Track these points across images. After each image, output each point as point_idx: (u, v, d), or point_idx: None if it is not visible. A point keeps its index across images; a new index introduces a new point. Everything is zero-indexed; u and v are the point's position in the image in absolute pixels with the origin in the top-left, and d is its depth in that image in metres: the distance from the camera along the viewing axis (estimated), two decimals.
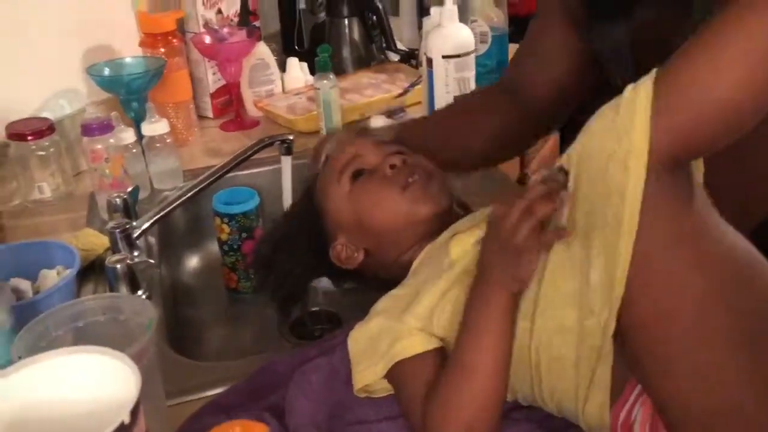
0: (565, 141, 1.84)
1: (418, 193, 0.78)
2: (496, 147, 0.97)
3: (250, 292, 1.12)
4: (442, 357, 0.68)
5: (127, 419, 0.42)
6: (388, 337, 0.70)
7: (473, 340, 0.63)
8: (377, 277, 0.83)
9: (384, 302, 0.75)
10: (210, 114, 1.48)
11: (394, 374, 0.69)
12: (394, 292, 0.76)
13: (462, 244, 0.74)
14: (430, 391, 0.64)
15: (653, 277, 0.55)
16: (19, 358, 0.61)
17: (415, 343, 0.69)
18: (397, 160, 0.80)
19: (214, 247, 1.16)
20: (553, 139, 1.83)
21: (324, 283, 0.95)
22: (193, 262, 1.22)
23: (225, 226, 1.09)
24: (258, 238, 0.99)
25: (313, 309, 1.09)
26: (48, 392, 0.48)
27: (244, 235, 1.09)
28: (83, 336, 0.68)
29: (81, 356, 0.48)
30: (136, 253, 0.95)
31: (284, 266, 0.86)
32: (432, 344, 0.69)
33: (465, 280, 0.69)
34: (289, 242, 0.87)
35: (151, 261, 0.95)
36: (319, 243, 0.84)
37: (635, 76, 0.81)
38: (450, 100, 1.19)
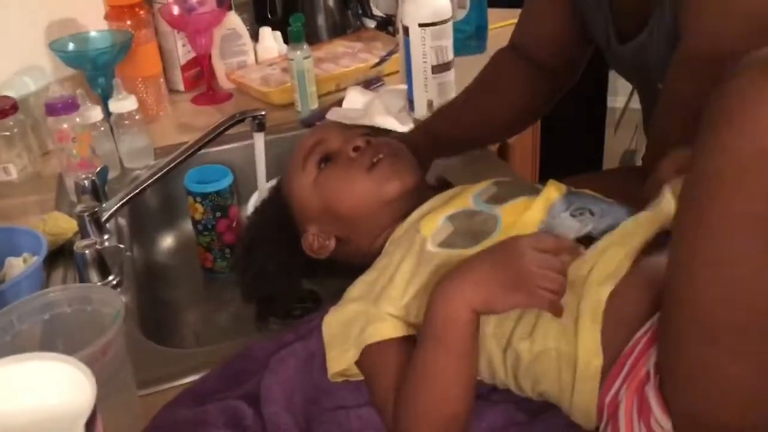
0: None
1: (384, 172, 0.76)
2: (522, 117, 1.04)
3: (227, 271, 1.09)
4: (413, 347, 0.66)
5: None
6: (361, 322, 0.69)
7: (435, 350, 0.62)
8: (352, 265, 0.80)
9: (358, 287, 0.73)
10: (181, 87, 1.44)
11: (365, 359, 0.68)
12: (366, 276, 0.74)
13: (433, 220, 0.72)
14: (398, 387, 0.63)
15: None
16: None
17: (385, 328, 0.67)
18: (360, 142, 0.78)
19: (188, 226, 1.13)
20: None
21: None
22: (167, 242, 1.19)
23: (198, 206, 1.06)
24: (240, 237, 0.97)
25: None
26: (1, 401, 0.45)
27: (218, 214, 1.06)
28: (50, 328, 0.66)
29: (33, 363, 0.46)
30: (105, 237, 0.93)
31: (258, 266, 0.84)
32: (402, 331, 0.67)
33: (434, 260, 0.68)
34: (262, 240, 0.85)
35: (121, 246, 0.93)
36: (290, 236, 0.82)
37: (614, 32, 0.82)
38: (428, 69, 1.16)
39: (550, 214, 0.69)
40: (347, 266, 0.81)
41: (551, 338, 0.60)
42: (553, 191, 0.72)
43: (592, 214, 0.68)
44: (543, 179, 0.77)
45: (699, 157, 0.52)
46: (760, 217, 0.48)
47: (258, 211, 0.90)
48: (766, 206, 0.48)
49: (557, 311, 0.58)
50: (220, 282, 1.10)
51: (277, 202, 0.84)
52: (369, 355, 0.67)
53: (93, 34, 1.26)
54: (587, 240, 0.65)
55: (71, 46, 1.22)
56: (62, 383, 0.44)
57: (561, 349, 0.60)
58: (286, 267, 0.84)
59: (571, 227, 0.67)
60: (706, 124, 0.51)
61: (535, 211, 0.70)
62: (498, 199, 0.73)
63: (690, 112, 0.68)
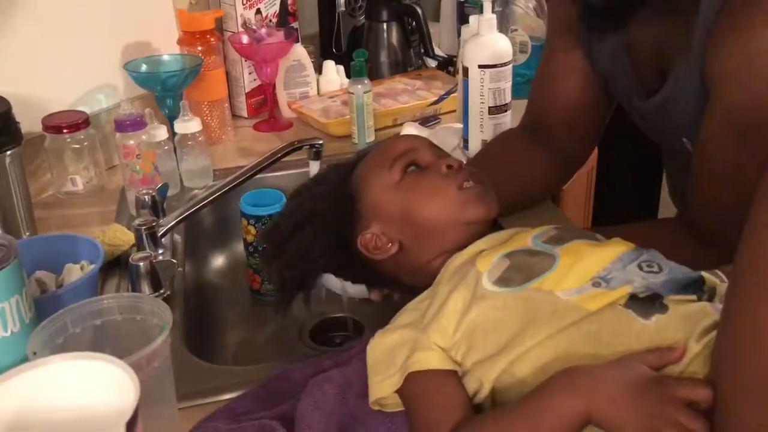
0: (603, 158, 1.80)
1: (473, 196, 0.77)
2: (529, 193, 1.02)
3: (273, 294, 1.11)
4: (459, 381, 0.66)
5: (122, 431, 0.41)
6: (408, 348, 0.69)
7: (523, 427, 0.60)
8: (396, 280, 0.80)
9: (408, 314, 0.73)
10: (245, 113, 1.48)
11: (408, 388, 0.67)
12: (416, 304, 0.74)
13: (490, 257, 0.72)
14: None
15: None
16: (34, 353, 0.61)
17: (432, 358, 0.67)
18: (455, 162, 0.79)
19: (239, 248, 1.16)
20: None
21: (350, 290, 0.93)
22: (218, 262, 1.22)
23: (251, 228, 1.09)
24: (279, 213, 0.92)
25: (336, 315, 1.08)
26: (47, 398, 0.47)
27: None
28: (101, 334, 0.68)
29: (83, 362, 0.48)
30: (160, 251, 0.96)
31: (302, 246, 0.82)
32: (448, 365, 0.67)
33: (488, 298, 0.67)
34: (314, 221, 0.82)
35: (174, 260, 0.95)
36: (346, 227, 0.81)
37: (635, 88, 0.83)
38: (485, 110, 1.17)
39: (615, 261, 0.67)
40: (386, 277, 0.81)
41: None
42: (620, 244, 0.71)
43: (660, 269, 0.67)
44: (595, 226, 0.77)
45: (753, 233, 0.51)
46: None
47: (315, 195, 0.84)
48: None
49: None
50: (266, 304, 1.12)
51: (341, 191, 0.82)
52: (412, 384, 0.67)
53: (165, 57, 1.31)
54: (654, 298, 0.63)
55: (144, 68, 1.27)
56: (108, 383, 0.46)
57: None
58: (329, 256, 0.82)
59: (639, 281, 0.65)
60: (760, 200, 0.50)
61: (598, 258, 0.68)
62: (557, 240, 0.73)
63: (734, 174, 0.69)
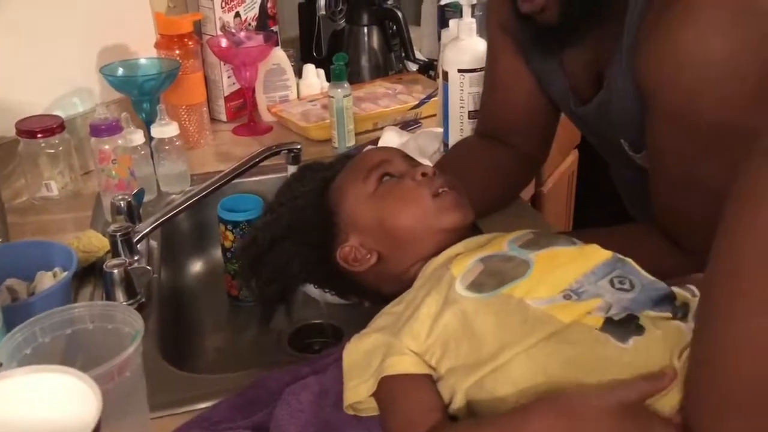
0: (583, 160, 1.81)
1: (448, 203, 0.76)
2: (494, 194, 1.03)
3: (251, 300, 1.10)
4: (433, 384, 0.66)
5: None
6: (382, 353, 0.68)
7: None
8: (377, 290, 0.80)
9: (383, 318, 0.73)
10: (224, 117, 1.47)
11: (382, 392, 0.67)
12: (392, 308, 0.74)
13: (464, 261, 0.72)
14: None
15: None
16: (0, 364, 0.60)
17: (405, 362, 0.67)
18: (429, 170, 0.79)
19: (217, 253, 1.15)
20: (573, 155, 1.81)
21: (329, 296, 0.92)
22: (195, 268, 1.21)
23: (229, 233, 1.07)
24: (254, 226, 0.91)
25: (315, 321, 1.07)
26: (10, 411, 0.46)
27: None
28: (72, 344, 0.67)
29: (44, 375, 0.47)
30: (136, 258, 0.94)
31: (281, 260, 0.81)
32: (422, 369, 0.67)
33: (460, 302, 0.67)
34: (292, 236, 0.81)
35: (148, 267, 0.94)
36: (325, 241, 0.80)
37: (571, 95, 0.87)
38: (464, 114, 1.17)
39: (588, 275, 0.67)
40: (366, 288, 0.81)
41: None
42: (596, 253, 0.70)
43: (632, 286, 0.66)
44: (576, 229, 0.77)
45: (724, 239, 0.51)
46: None
47: (292, 207, 0.83)
48: None
49: None
50: (244, 310, 1.11)
51: (318, 203, 0.81)
52: (386, 388, 0.66)
53: (142, 60, 1.30)
54: (629, 320, 0.62)
55: (120, 71, 1.26)
56: (70, 396, 0.45)
57: None
58: (309, 270, 0.82)
59: (609, 296, 0.64)
60: (733, 206, 0.50)
61: (571, 268, 0.67)
62: (533, 245, 0.72)
63: (687, 177, 0.70)
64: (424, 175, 0.77)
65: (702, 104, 0.73)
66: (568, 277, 0.66)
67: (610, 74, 0.83)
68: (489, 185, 1.02)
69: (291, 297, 0.85)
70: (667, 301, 0.65)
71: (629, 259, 0.70)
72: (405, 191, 0.77)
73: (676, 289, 0.66)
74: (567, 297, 0.65)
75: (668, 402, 0.58)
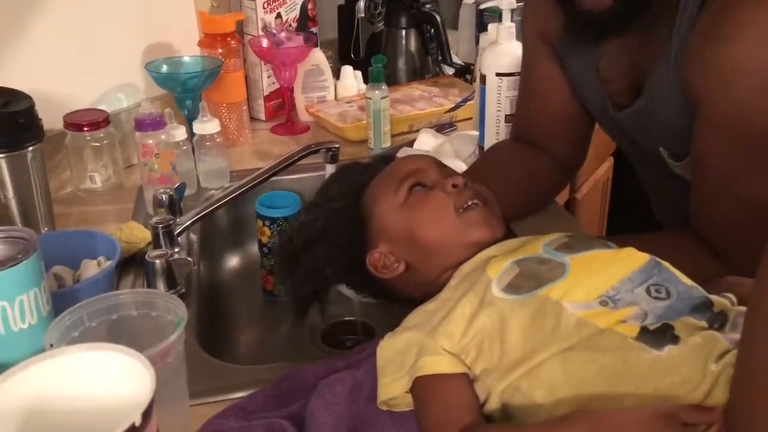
0: (618, 167, 1.80)
1: (476, 218, 0.76)
2: (529, 197, 1.03)
3: (286, 296, 1.12)
4: (469, 383, 0.67)
5: (138, 421, 0.42)
6: (416, 351, 0.69)
7: None
8: (408, 296, 0.81)
9: (416, 316, 0.74)
10: (262, 116, 1.50)
11: (417, 390, 0.68)
12: (426, 306, 0.75)
13: (500, 263, 0.72)
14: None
15: None
16: (51, 345, 0.62)
17: (439, 363, 0.68)
18: (459, 181, 0.79)
19: (254, 249, 1.17)
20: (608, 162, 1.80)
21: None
22: (232, 262, 1.23)
23: (266, 229, 1.10)
24: (291, 225, 0.95)
25: (347, 318, 1.09)
26: (64, 387, 0.48)
27: None
28: (116, 329, 0.69)
29: (100, 353, 0.49)
30: (176, 250, 0.97)
31: (314, 262, 0.83)
32: (457, 368, 0.67)
33: (496, 304, 0.68)
34: (325, 239, 0.83)
35: (189, 259, 0.96)
36: (357, 246, 0.82)
37: (608, 100, 0.86)
38: (501, 117, 1.18)
39: (625, 281, 0.67)
40: (398, 293, 0.82)
41: None
42: (634, 258, 0.70)
43: (668, 294, 0.66)
44: (610, 234, 0.77)
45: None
46: None
47: (327, 210, 0.84)
48: None
49: None
50: (278, 305, 1.13)
51: (353, 208, 0.82)
52: (421, 386, 0.67)
53: (186, 58, 1.33)
54: (665, 329, 0.62)
55: (165, 68, 1.29)
56: (124, 374, 0.47)
57: None
58: (341, 273, 0.84)
59: (645, 304, 0.64)
60: None
61: (608, 273, 0.67)
62: (568, 248, 0.72)
63: (731, 186, 0.69)
64: (454, 186, 0.78)
65: (753, 115, 0.73)
66: (604, 282, 0.66)
67: (653, 81, 0.82)
68: (524, 189, 1.02)
69: (324, 297, 0.87)
70: (704, 308, 0.65)
71: (666, 263, 0.69)
72: (434, 204, 0.77)
73: (714, 297, 0.66)
74: (603, 303, 0.65)
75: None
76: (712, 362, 0.59)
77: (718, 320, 0.64)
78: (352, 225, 0.82)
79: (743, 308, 0.63)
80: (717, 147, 0.78)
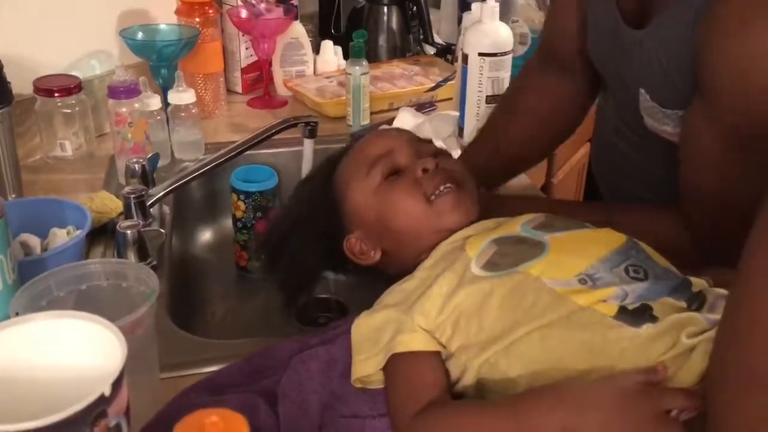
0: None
1: (448, 204, 0.75)
2: (550, 132, 1.02)
3: (259, 271, 1.11)
4: (441, 362, 0.66)
5: (107, 391, 0.41)
6: (393, 328, 0.69)
7: (503, 418, 0.61)
8: (390, 275, 0.80)
9: (394, 294, 0.73)
10: (239, 89, 1.47)
11: (389, 367, 0.68)
12: (402, 285, 0.74)
13: (478, 242, 0.72)
14: (428, 408, 0.63)
15: None
16: (17, 314, 0.60)
17: (415, 340, 0.67)
18: (430, 164, 0.76)
19: (228, 223, 1.15)
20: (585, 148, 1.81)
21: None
22: (205, 236, 1.22)
23: (241, 203, 1.08)
24: (272, 218, 0.94)
25: (321, 296, 1.08)
26: (32, 355, 0.47)
27: (258, 214, 1.08)
28: (85, 299, 0.67)
29: (69, 321, 0.47)
30: (148, 221, 0.95)
31: (295, 254, 0.83)
32: (431, 346, 0.67)
33: (476, 283, 0.67)
34: (302, 227, 0.83)
35: (162, 230, 0.94)
36: (334, 231, 0.81)
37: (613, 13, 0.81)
38: (482, 98, 1.17)
39: (603, 260, 0.66)
40: (381, 273, 0.81)
41: None
42: (612, 239, 0.69)
43: (646, 275, 0.65)
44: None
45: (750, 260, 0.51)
46: None
47: (302, 197, 0.85)
48: None
49: None
50: (251, 281, 1.12)
51: (326, 193, 0.81)
52: (394, 364, 0.67)
53: (162, 26, 1.30)
54: (643, 309, 0.62)
55: (140, 36, 1.26)
56: (93, 343, 0.45)
57: None
58: (322, 260, 0.83)
59: (624, 285, 0.64)
60: (760, 229, 0.50)
61: (586, 253, 0.67)
62: (546, 227, 0.72)
63: (717, 168, 0.67)
64: (425, 171, 0.76)
65: (759, 110, 0.68)
66: (583, 261, 0.66)
67: (662, 18, 0.75)
68: (551, 123, 1.02)
69: (313, 286, 0.87)
70: (683, 288, 0.65)
71: (644, 244, 0.69)
72: (404, 193, 0.76)
73: (693, 279, 0.66)
74: (582, 282, 0.65)
75: (687, 376, 0.59)
76: (684, 336, 0.59)
77: (697, 300, 0.64)
78: (326, 210, 0.81)
79: (723, 291, 0.63)
80: (710, 130, 0.73)
